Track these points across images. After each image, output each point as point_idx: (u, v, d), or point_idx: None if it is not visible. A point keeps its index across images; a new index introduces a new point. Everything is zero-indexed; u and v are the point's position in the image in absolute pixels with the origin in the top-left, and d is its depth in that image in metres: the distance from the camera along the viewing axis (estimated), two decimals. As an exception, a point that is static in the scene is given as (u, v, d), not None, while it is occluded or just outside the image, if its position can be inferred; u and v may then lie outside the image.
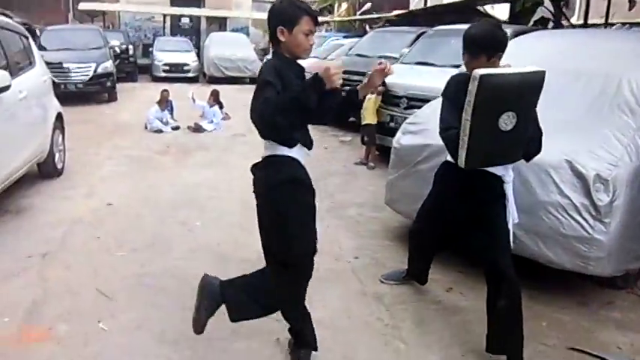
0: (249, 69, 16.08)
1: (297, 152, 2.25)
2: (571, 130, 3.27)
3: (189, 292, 2.64)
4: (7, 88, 4.23)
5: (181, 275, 3.40)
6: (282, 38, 2.16)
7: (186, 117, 8.98)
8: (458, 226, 2.85)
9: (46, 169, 5.50)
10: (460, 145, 2.27)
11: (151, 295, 3.18)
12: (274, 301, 2.43)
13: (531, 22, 9.64)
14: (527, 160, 2.61)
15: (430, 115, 3.55)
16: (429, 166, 3.47)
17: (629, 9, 8.88)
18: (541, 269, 3.23)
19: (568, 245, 3.00)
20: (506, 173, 2.56)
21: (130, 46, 16.33)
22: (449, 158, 2.70)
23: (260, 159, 2.31)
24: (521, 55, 3.97)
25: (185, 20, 22.67)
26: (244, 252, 3.66)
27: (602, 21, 10.98)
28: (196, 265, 3.45)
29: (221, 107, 9.36)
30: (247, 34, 21.51)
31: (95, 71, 10.96)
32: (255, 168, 2.32)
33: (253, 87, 2.19)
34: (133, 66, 16.13)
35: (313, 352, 2.56)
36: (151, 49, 17.70)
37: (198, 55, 17.71)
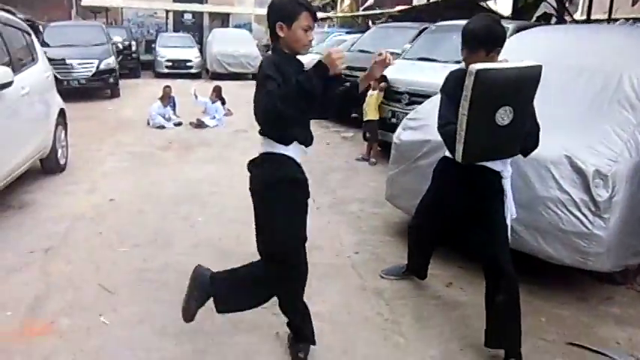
0: (252, 65, 16.03)
1: (292, 150, 2.26)
2: (571, 125, 3.27)
3: (191, 287, 2.65)
4: (9, 84, 4.25)
5: (183, 270, 3.39)
6: (281, 34, 2.17)
7: (188, 113, 9.00)
8: (456, 221, 2.86)
9: (49, 165, 5.53)
10: (457, 140, 2.28)
11: (153, 290, 3.21)
12: (261, 294, 2.45)
13: (534, 18, 9.62)
14: (525, 155, 2.62)
15: (430, 111, 3.55)
16: (428, 161, 3.47)
17: (633, 4, 8.87)
18: (541, 265, 3.23)
19: (567, 241, 3.01)
20: (505, 169, 2.57)
21: (133, 43, 16.36)
22: (447, 154, 2.70)
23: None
24: (522, 50, 3.99)
25: (188, 16, 22.70)
26: (246, 247, 3.67)
27: (606, 16, 10.93)
28: (198, 260, 3.42)
29: (223, 103, 9.38)
30: (250, 30, 21.52)
31: (98, 67, 10.98)
32: (251, 165, 2.34)
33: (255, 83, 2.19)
34: (135, 62, 16.15)
35: (312, 346, 2.58)
36: (153, 45, 17.75)
37: (201, 51, 17.72)
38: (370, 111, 6.53)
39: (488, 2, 11.82)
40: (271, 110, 2.02)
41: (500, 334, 2.57)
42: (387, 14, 14.89)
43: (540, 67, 2.30)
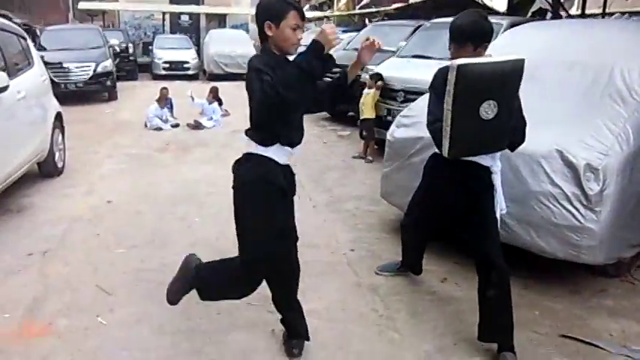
0: (250, 65, 16.03)
1: (274, 152, 2.25)
2: (563, 119, 3.29)
3: (187, 287, 2.68)
4: (5, 88, 4.28)
5: (179, 270, 3.43)
6: (269, 33, 2.19)
7: (186, 114, 9.02)
8: (448, 217, 2.88)
9: (47, 168, 5.55)
10: (443, 135, 2.30)
11: (150, 290, 3.22)
12: (244, 290, 2.46)
13: (529, 14, 9.64)
14: (512, 149, 2.64)
15: (423, 108, 3.53)
16: (421, 158, 3.48)
17: (627, -2, 8.88)
18: (534, 259, 3.26)
19: (560, 234, 3.03)
20: (494, 164, 2.59)
21: (130, 45, 16.35)
22: (437, 150, 2.72)
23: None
24: (515, 46, 4.01)
25: (184, 18, 22.67)
26: (242, 246, 3.70)
27: (600, 11, 10.95)
28: (194, 259, 3.49)
29: (220, 104, 9.40)
30: (247, 30, 21.47)
31: (95, 70, 11.00)
32: (235, 165, 2.36)
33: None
34: (132, 64, 16.17)
35: (307, 343, 2.61)
36: (150, 47, 17.73)
37: (198, 52, 17.73)
38: (367, 109, 6.55)
39: (483, -1, 11.83)
40: (273, 96, 1.96)
41: (492, 328, 2.59)
42: (384, 12, 14.90)
43: (523, 60, 2.31)
